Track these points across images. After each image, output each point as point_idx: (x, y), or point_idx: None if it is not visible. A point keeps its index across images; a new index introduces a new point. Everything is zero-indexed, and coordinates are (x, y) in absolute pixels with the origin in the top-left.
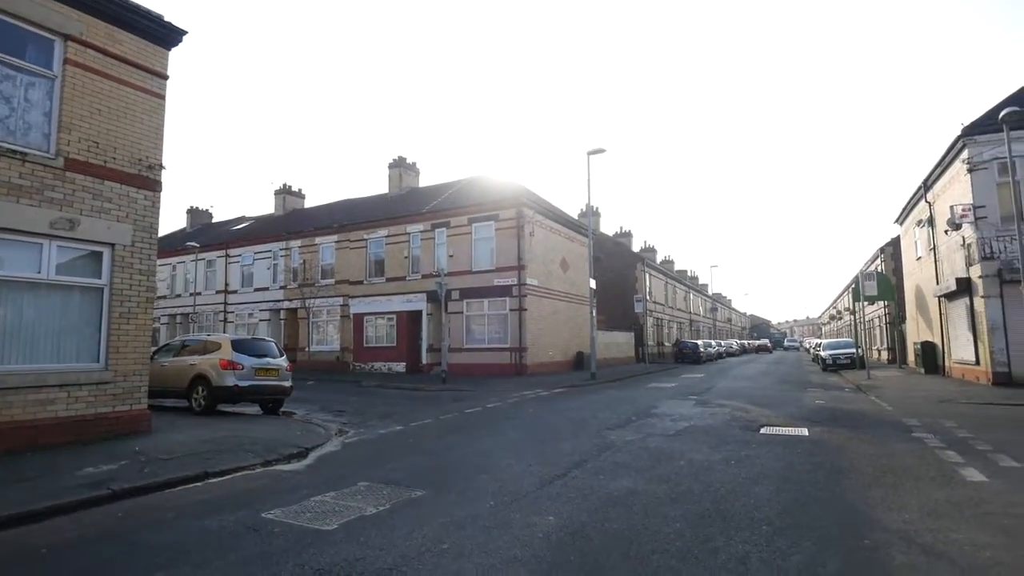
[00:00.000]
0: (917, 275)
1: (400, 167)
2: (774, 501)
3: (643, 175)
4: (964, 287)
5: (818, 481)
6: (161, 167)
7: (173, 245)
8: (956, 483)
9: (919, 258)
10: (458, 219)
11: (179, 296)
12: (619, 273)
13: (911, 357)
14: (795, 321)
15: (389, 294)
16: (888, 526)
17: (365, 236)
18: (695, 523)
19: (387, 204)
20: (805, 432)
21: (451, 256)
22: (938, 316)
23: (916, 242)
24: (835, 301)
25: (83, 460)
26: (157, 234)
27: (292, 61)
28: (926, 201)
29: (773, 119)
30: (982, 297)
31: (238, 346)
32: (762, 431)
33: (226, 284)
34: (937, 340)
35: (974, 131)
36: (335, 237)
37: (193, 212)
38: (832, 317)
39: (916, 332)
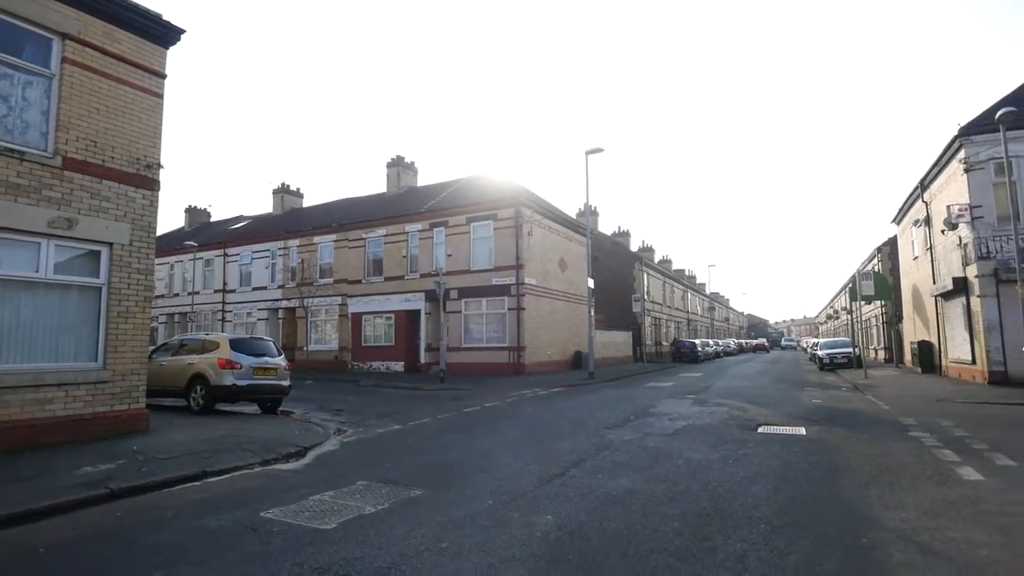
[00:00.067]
0: (914, 275)
1: (398, 166)
2: (772, 500)
3: (641, 175)
4: (961, 287)
5: (815, 480)
6: (159, 166)
7: (171, 244)
8: (953, 482)
9: (916, 258)
10: (456, 218)
11: (177, 295)
12: (617, 272)
13: (908, 356)
14: (792, 320)
15: (387, 293)
16: (885, 525)
17: (363, 235)
18: (693, 522)
19: (385, 203)
20: (802, 431)
21: (449, 255)
22: (935, 315)
23: (913, 242)
24: (832, 300)
25: (81, 459)
26: (155, 233)
27: (290, 60)
28: (923, 201)
29: (771, 118)
30: (978, 297)
31: (236, 345)
32: (760, 430)
33: (224, 283)
34: (934, 339)
35: (971, 131)
36: (333, 236)
37: (191, 211)
38: (829, 316)
39: (913, 331)
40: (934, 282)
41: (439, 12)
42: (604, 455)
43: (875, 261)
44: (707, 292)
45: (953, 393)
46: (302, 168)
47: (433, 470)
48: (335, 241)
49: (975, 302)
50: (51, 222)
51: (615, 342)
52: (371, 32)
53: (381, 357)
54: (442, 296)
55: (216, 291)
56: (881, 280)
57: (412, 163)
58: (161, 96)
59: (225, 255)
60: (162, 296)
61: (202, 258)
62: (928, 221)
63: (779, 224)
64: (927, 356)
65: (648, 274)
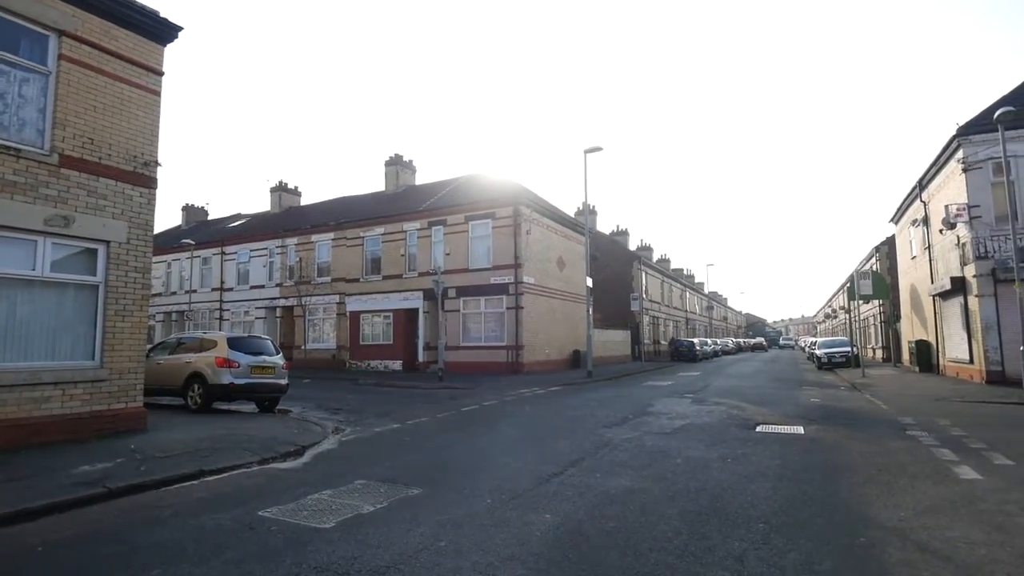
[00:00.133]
0: (912, 274)
1: (397, 165)
2: (770, 499)
3: (640, 174)
4: (959, 286)
5: (814, 479)
6: (156, 164)
7: (169, 242)
8: (951, 481)
9: (914, 257)
10: (455, 217)
11: (174, 294)
12: (616, 271)
13: (906, 356)
14: (790, 320)
15: (386, 292)
16: (884, 524)
17: (361, 234)
18: (692, 521)
19: (384, 202)
20: (801, 430)
21: (448, 254)
22: (933, 315)
23: (911, 241)
24: (830, 300)
25: (79, 458)
26: (152, 231)
27: (288, 58)
28: (921, 200)
29: (770, 118)
30: (976, 296)
31: (234, 344)
32: (758, 429)
33: (222, 282)
34: (932, 339)
35: (969, 131)
36: (331, 235)
37: (189, 209)
38: (827, 316)
39: (911, 331)
40: (932, 282)
41: (438, 11)
42: (603, 454)
43: (873, 260)
44: (705, 291)
45: (951, 392)
46: (300, 166)
47: (432, 469)
48: (333, 239)
49: (973, 302)
50: (48, 220)
51: (613, 341)
52: (370, 30)
53: (379, 356)
54: (440, 295)
55: (214, 289)
56: (879, 279)
57: (411, 161)
58: (158, 93)
59: (223, 253)
60: (159, 294)
61: (199, 256)
62: (926, 221)
63: (777, 223)
64: (925, 355)
65: (646, 273)
